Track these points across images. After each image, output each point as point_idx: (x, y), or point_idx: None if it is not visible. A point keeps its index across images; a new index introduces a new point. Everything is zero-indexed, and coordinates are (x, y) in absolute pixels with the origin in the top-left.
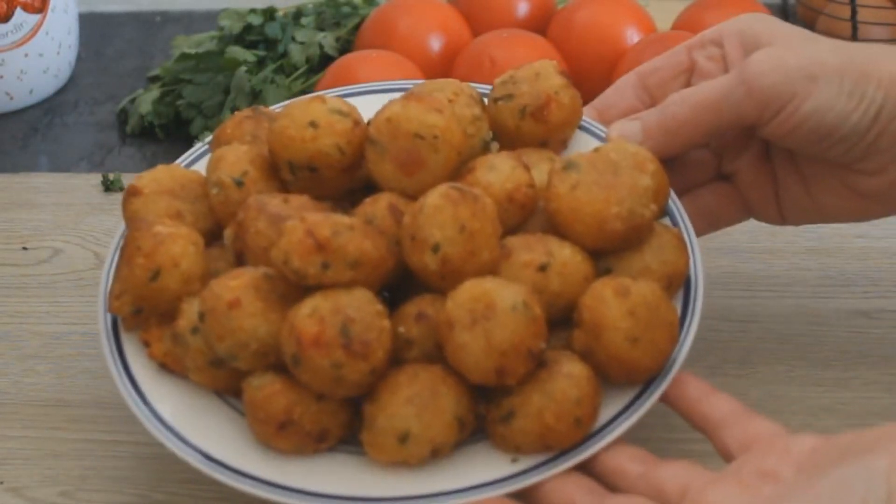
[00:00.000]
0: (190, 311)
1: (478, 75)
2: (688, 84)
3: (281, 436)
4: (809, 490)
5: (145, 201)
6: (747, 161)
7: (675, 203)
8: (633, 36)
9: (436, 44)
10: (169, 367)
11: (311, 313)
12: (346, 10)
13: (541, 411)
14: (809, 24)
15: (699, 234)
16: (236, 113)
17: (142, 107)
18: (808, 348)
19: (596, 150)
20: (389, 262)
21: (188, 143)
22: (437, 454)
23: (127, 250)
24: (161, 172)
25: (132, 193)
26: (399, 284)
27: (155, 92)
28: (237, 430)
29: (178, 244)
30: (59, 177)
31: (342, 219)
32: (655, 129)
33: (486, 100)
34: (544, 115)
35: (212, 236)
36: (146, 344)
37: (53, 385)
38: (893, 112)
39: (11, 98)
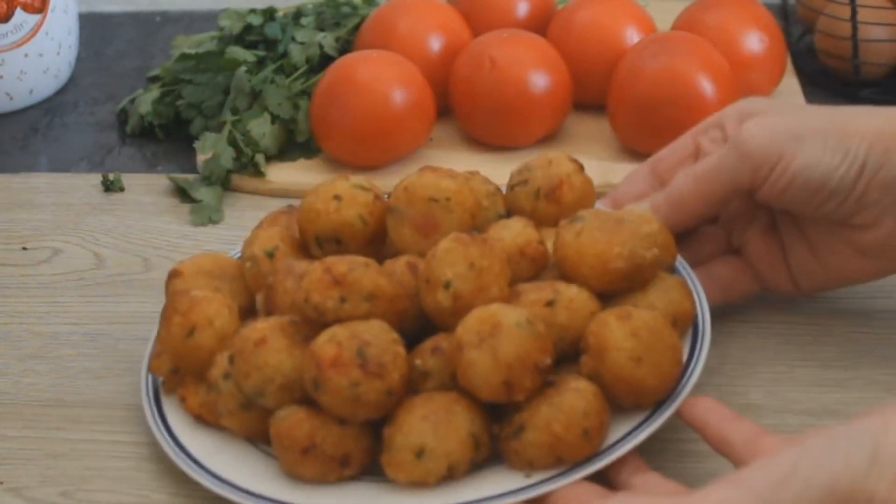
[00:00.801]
0: (222, 361)
1: (478, 75)
2: None
3: (305, 461)
4: (797, 446)
5: (185, 281)
6: (755, 233)
7: (681, 262)
8: (633, 36)
9: (436, 44)
10: (204, 418)
11: (330, 339)
12: (346, 10)
13: (549, 423)
14: (809, 24)
15: (711, 302)
16: (272, 211)
17: (142, 107)
18: (808, 348)
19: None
20: (404, 302)
21: (188, 143)
22: (453, 471)
23: (166, 314)
24: (201, 257)
25: (174, 275)
26: (417, 335)
27: (155, 92)
28: (266, 467)
29: (213, 305)
30: (59, 177)
31: (358, 258)
32: (663, 204)
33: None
34: (557, 196)
35: (246, 313)
36: (182, 399)
37: (53, 385)
38: (876, 165)
39: (11, 98)
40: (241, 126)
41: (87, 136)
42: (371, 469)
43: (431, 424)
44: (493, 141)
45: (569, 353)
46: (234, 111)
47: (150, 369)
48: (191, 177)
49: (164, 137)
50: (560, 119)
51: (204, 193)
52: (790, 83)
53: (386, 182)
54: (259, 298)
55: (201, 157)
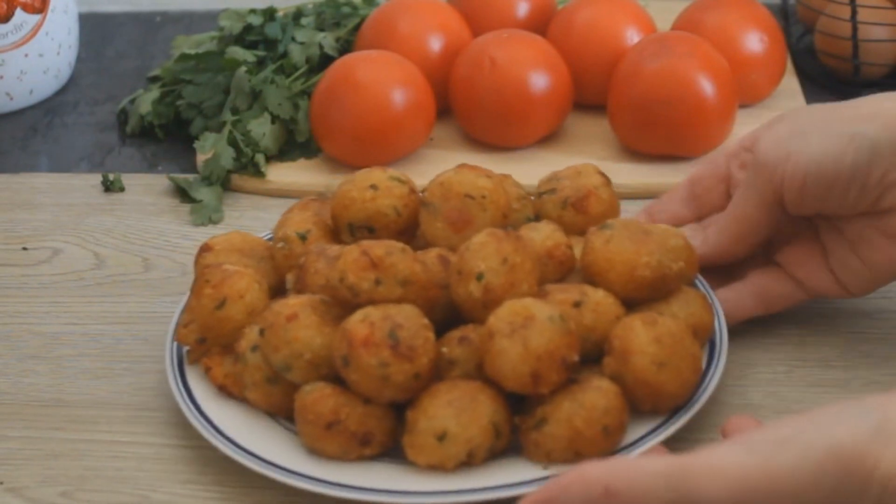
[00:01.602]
0: (251, 334)
1: (478, 75)
2: (728, 191)
3: (328, 436)
4: (804, 415)
5: (216, 255)
6: (795, 243)
7: (701, 281)
8: (633, 36)
9: (436, 44)
10: (228, 389)
11: (363, 318)
12: (346, 10)
13: (571, 417)
14: (809, 24)
15: (752, 314)
16: (303, 198)
17: (142, 107)
18: (808, 349)
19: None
20: (436, 290)
21: (188, 143)
22: (472, 457)
23: (196, 285)
24: (233, 234)
25: (205, 249)
26: (445, 325)
27: (155, 92)
28: (287, 441)
29: (244, 279)
30: (59, 177)
31: (395, 243)
32: (708, 258)
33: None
34: (584, 207)
35: (274, 293)
36: (207, 369)
37: (53, 385)
38: (891, 143)
39: (11, 98)
40: (241, 126)
41: (88, 137)
42: (391, 451)
43: (455, 410)
44: (493, 141)
45: (592, 355)
46: (234, 111)
47: (176, 338)
48: (191, 177)
49: (164, 137)
50: (560, 119)
51: (204, 193)
52: (790, 83)
53: None
54: (289, 279)
55: (201, 157)
